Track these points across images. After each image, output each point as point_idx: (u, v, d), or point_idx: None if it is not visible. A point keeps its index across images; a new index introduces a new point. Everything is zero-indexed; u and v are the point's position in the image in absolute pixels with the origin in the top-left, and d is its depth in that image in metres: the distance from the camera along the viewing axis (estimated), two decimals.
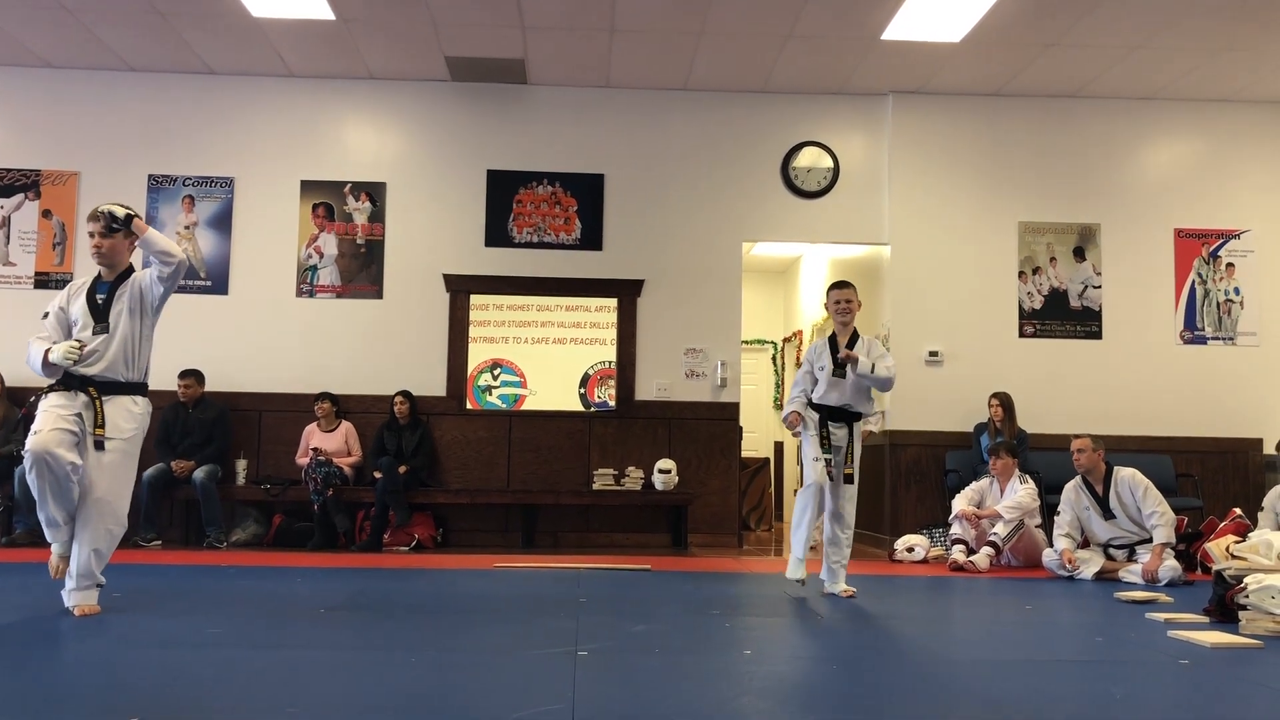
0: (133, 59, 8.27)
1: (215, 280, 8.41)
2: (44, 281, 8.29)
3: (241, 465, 8.09)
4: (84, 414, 4.24)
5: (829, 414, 5.39)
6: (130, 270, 4.48)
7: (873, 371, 5.28)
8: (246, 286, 8.43)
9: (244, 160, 8.52)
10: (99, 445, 4.23)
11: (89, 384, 4.28)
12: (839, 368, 5.35)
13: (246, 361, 8.33)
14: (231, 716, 2.69)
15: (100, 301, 4.37)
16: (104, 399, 4.27)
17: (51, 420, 4.16)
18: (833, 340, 5.45)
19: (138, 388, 4.40)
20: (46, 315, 4.42)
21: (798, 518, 5.42)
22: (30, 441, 4.12)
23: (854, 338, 5.44)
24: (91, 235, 4.40)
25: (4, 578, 5.57)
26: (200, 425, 7.91)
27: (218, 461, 7.89)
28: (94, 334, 4.32)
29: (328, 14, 7.31)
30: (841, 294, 5.48)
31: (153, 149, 8.47)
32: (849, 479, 5.40)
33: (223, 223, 8.46)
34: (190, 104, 8.51)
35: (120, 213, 4.39)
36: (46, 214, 8.39)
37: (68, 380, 4.27)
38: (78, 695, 2.96)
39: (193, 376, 7.99)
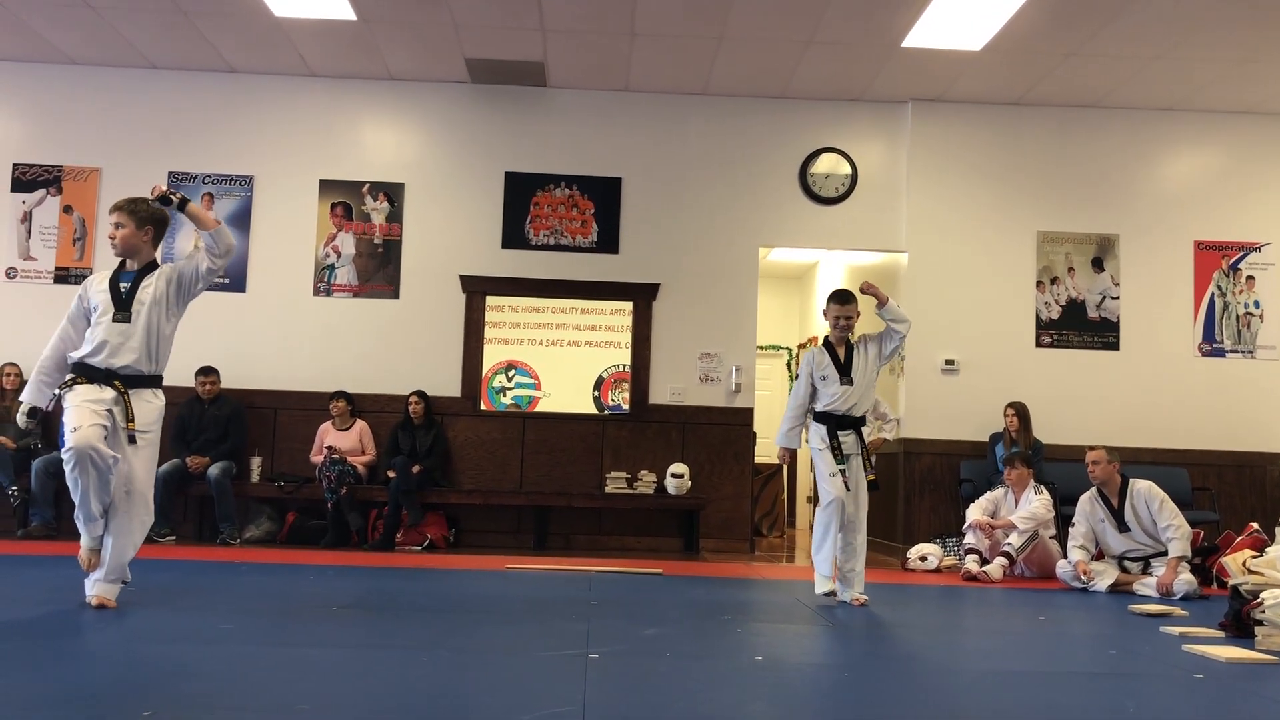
0: (155, 57, 8.32)
1: (233, 278, 8.44)
2: (64, 276, 8.34)
3: (256, 462, 8.12)
4: (114, 409, 4.23)
5: (837, 423, 5.31)
6: (154, 264, 4.45)
7: (899, 307, 5.23)
8: (264, 284, 8.47)
9: (263, 159, 8.56)
10: (131, 439, 4.23)
11: (115, 377, 4.26)
12: (845, 374, 5.30)
13: (263, 359, 8.36)
14: (242, 712, 2.70)
15: (124, 290, 4.33)
16: (130, 392, 4.26)
17: (87, 415, 4.13)
18: (829, 345, 5.39)
19: (156, 380, 4.39)
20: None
21: (820, 538, 5.31)
22: (71, 439, 4.07)
23: (850, 349, 5.36)
24: (112, 226, 4.40)
25: (20, 570, 5.60)
26: (216, 422, 7.94)
27: (232, 458, 7.92)
28: (114, 321, 4.27)
29: (349, 14, 7.34)
30: (842, 310, 5.32)
31: (173, 146, 8.51)
32: (874, 485, 5.34)
33: (241, 220, 8.49)
34: (211, 102, 8.56)
35: (175, 197, 4.34)
36: (67, 209, 8.45)
37: (91, 373, 4.24)
38: (90, 689, 2.97)
39: (213, 373, 8.03)
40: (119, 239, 4.38)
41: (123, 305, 4.30)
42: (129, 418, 4.23)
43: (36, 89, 8.50)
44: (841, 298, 5.37)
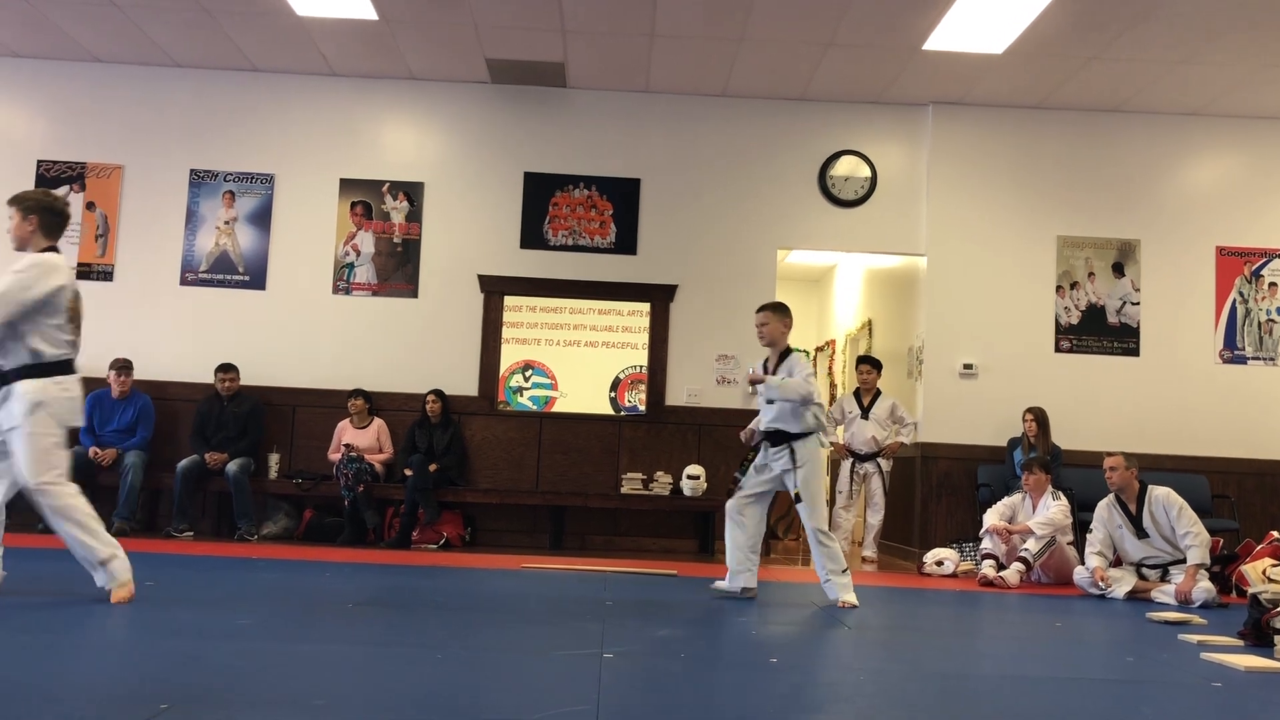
0: (178, 55, 8.37)
1: (253, 275, 8.49)
2: (86, 273, 8.40)
3: (274, 459, 8.16)
4: None
5: (769, 438, 5.40)
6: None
7: (779, 383, 5.26)
8: (284, 282, 8.51)
9: (284, 157, 8.60)
10: None
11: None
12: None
13: (282, 356, 8.40)
14: (258, 707, 2.71)
15: None
16: None
17: None
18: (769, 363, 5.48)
19: (22, 372, 4.13)
20: None
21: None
22: None
23: (785, 354, 5.43)
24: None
25: (39, 564, 5.64)
26: (234, 418, 7.99)
27: (250, 455, 7.97)
28: None
29: (371, 14, 7.37)
30: (758, 318, 5.48)
31: (195, 144, 8.57)
32: (797, 498, 5.33)
33: (262, 219, 8.54)
34: (233, 100, 8.61)
35: None
36: (90, 206, 8.51)
37: None
38: (107, 682, 2.99)
39: (233, 370, 8.08)
40: (11, 232, 4.27)
41: None
42: None
43: (61, 86, 8.56)
44: (759, 309, 5.54)
